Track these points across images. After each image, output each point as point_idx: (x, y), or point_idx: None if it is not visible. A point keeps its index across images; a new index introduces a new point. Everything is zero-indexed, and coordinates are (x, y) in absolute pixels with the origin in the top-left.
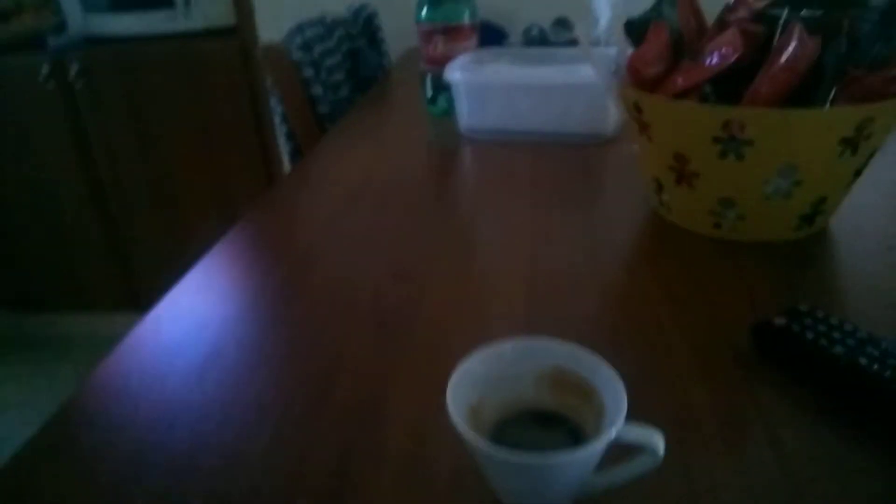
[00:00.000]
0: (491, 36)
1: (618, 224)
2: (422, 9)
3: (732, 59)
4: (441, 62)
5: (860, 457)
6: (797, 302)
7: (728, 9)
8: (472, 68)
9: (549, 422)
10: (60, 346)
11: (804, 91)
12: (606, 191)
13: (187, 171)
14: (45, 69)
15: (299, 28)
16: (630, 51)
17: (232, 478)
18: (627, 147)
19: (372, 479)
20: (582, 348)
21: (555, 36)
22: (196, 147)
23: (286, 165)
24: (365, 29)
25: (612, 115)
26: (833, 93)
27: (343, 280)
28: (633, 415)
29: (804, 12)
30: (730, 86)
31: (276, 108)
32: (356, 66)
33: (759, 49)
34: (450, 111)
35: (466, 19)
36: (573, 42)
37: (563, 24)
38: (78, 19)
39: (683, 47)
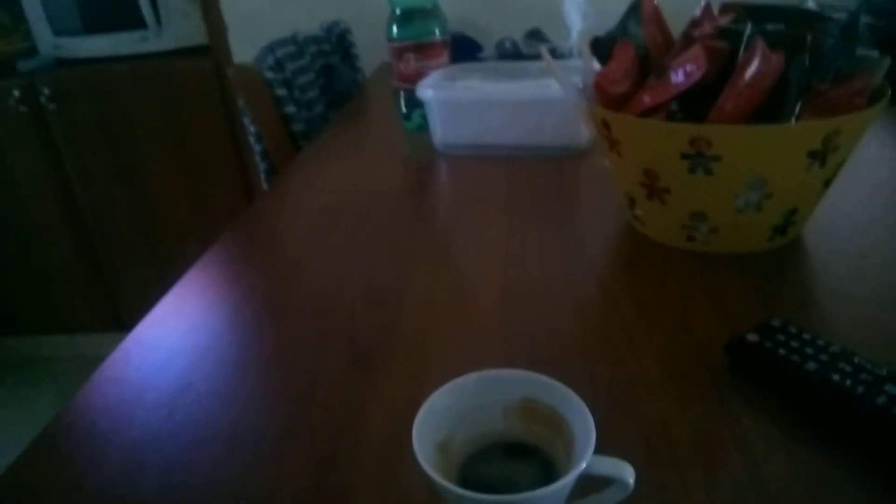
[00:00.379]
0: (465, 48)
1: (593, 238)
2: (392, 27)
3: (697, 77)
4: (414, 79)
5: (835, 473)
6: (772, 314)
7: (694, 23)
8: (445, 85)
9: (520, 453)
10: (44, 367)
11: (770, 106)
12: (581, 204)
13: (165, 190)
14: (15, 93)
15: (270, 48)
16: (597, 68)
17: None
18: (601, 160)
19: None
20: (549, 379)
21: (528, 48)
22: (173, 166)
23: (263, 183)
24: (338, 45)
25: (584, 128)
26: (798, 107)
27: (318, 305)
28: (606, 437)
29: (768, 27)
30: (697, 102)
31: (249, 128)
32: (330, 83)
33: (725, 65)
34: (424, 126)
35: (437, 35)
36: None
37: (536, 35)
38: (48, 42)
39: (650, 63)
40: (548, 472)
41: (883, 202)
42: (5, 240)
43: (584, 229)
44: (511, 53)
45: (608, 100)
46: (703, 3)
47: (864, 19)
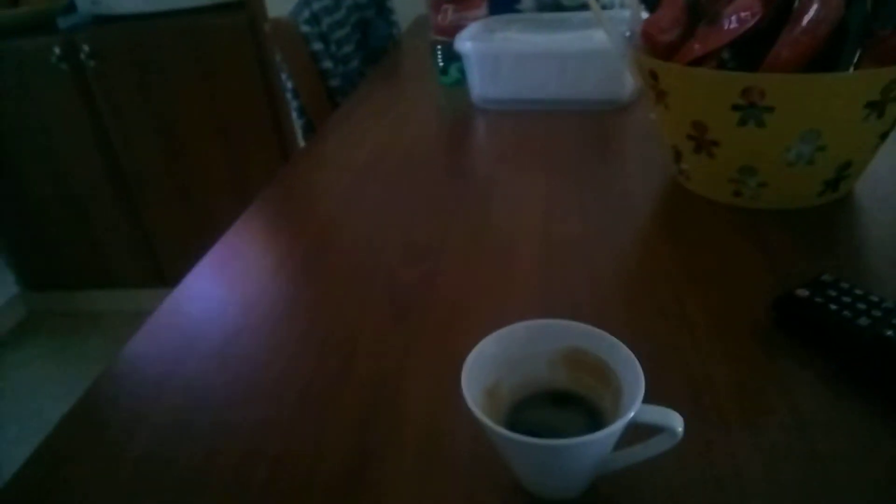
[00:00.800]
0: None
1: (635, 193)
2: None
3: (751, 23)
4: (451, 32)
5: (885, 431)
6: (821, 271)
7: None
8: (483, 37)
9: (565, 402)
10: (90, 322)
11: (827, 54)
12: (624, 159)
13: (202, 147)
14: (56, 50)
15: (306, 1)
16: (645, 16)
17: (252, 463)
18: (645, 113)
19: (391, 461)
20: (597, 329)
21: (567, 0)
22: (210, 124)
23: (300, 140)
24: None
25: (628, 80)
26: (858, 55)
27: (358, 260)
28: (651, 390)
29: None
30: (749, 50)
31: (286, 84)
32: (365, 38)
33: (780, 11)
34: (462, 81)
35: None
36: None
37: None
38: None
39: (700, 11)
40: (594, 421)
41: None
42: (49, 196)
43: (626, 184)
44: (551, 4)
45: (656, 49)
46: None
47: None
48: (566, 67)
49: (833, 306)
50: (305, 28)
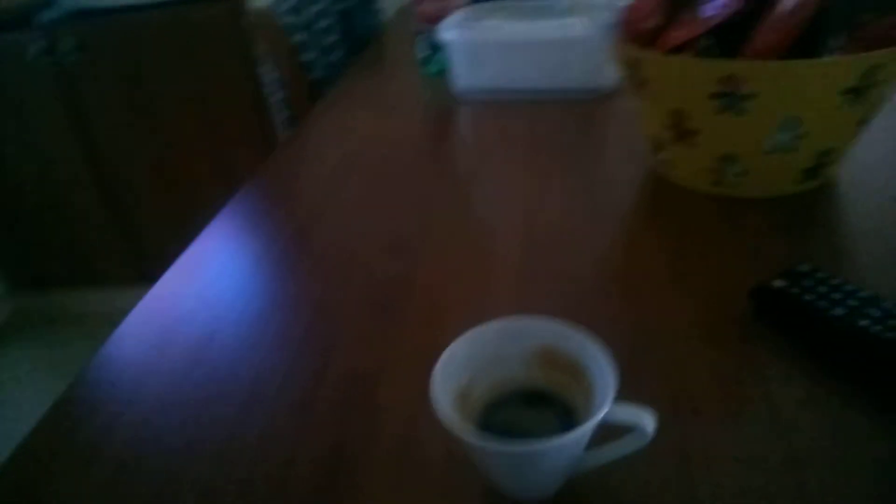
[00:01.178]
0: None
1: (617, 183)
2: None
3: (732, 9)
4: (435, 20)
5: (860, 420)
6: (800, 260)
7: None
8: (466, 26)
9: (539, 401)
10: (77, 322)
11: (808, 40)
12: (605, 148)
13: (187, 141)
14: (37, 45)
15: None
16: (625, 2)
17: (228, 462)
18: (627, 102)
19: (367, 461)
20: (569, 326)
21: None
22: (195, 117)
23: (282, 132)
24: None
25: (611, 69)
26: (840, 41)
27: (338, 255)
28: (627, 384)
29: None
30: (729, 37)
31: (269, 76)
32: (349, 28)
33: None
34: (444, 72)
35: None
36: None
37: None
38: None
39: None
40: (567, 420)
41: None
42: (31, 195)
43: (607, 174)
44: None
45: (636, 36)
46: None
47: None
48: (549, 56)
49: (808, 297)
50: (287, 19)
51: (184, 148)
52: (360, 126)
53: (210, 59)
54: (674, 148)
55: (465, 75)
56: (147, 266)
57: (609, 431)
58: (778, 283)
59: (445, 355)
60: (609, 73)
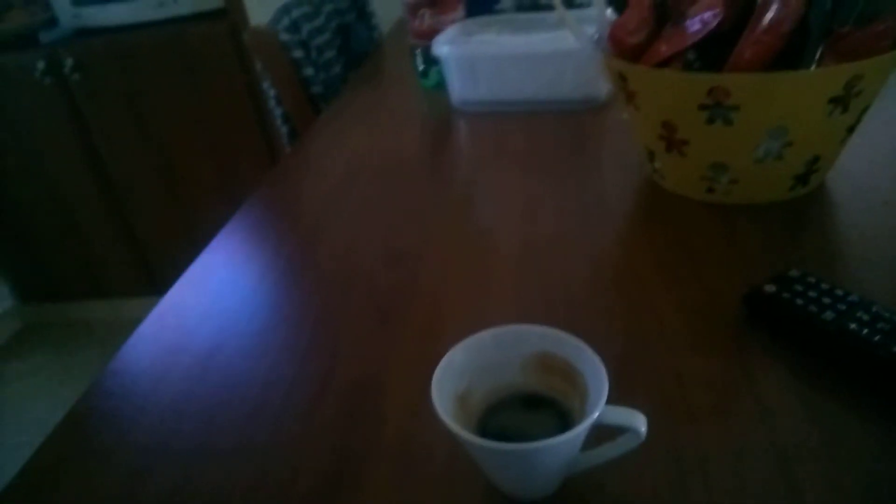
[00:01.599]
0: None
1: (612, 192)
2: None
3: (715, 23)
4: (429, 36)
5: (851, 422)
6: (793, 265)
7: None
8: (461, 41)
9: (536, 405)
10: (85, 332)
11: (790, 52)
12: (601, 158)
13: (189, 155)
14: (40, 65)
15: (285, 8)
16: (612, 17)
17: (238, 466)
18: (620, 113)
19: (370, 465)
20: (562, 332)
21: None
22: (197, 132)
23: (286, 146)
24: (353, 3)
25: (603, 80)
26: (820, 52)
27: (340, 265)
28: (621, 387)
29: None
30: (714, 51)
31: (269, 92)
32: (347, 42)
33: (743, 11)
34: (442, 84)
35: None
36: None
37: None
38: (68, 12)
39: (666, 12)
40: (564, 423)
41: None
42: (39, 210)
43: (603, 184)
44: (528, 4)
45: (624, 50)
46: None
47: None
48: (543, 68)
49: (800, 301)
50: (285, 36)
51: (187, 162)
52: (360, 139)
53: (211, 76)
54: (666, 157)
55: (461, 88)
56: (153, 277)
57: (604, 434)
58: (769, 287)
59: (444, 361)
60: (602, 85)
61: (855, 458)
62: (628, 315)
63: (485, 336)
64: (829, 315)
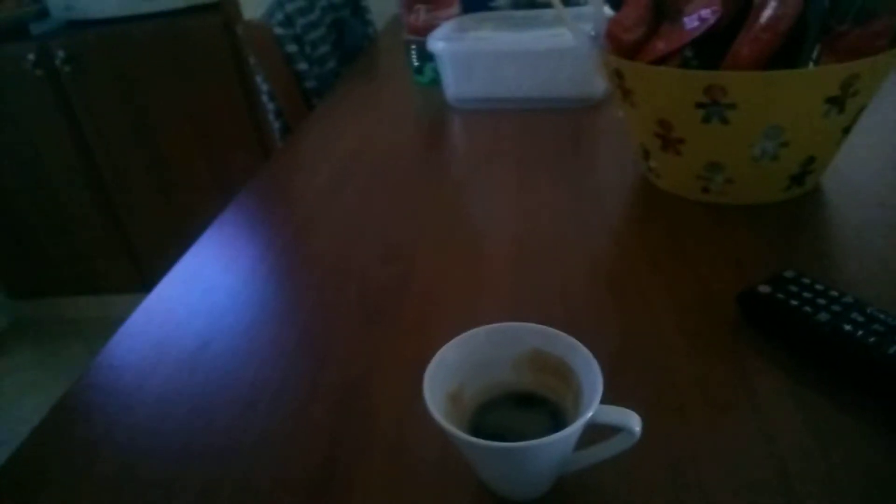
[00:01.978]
0: None
1: (607, 191)
2: None
3: (712, 21)
4: (424, 31)
5: (845, 424)
6: (788, 266)
7: None
8: (456, 37)
9: (529, 403)
10: (73, 328)
11: (787, 50)
12: (595, 157)
13: (181, 150)
14: (31, 57)
15: (280, 3)
16: (609, 14)
17: (223, 468)
18: (615, 111)
19: (360, 465)
20: (556, 330)
21: None
22: (188, 126)
23: (278, 141)
24: None
25: (599, 78)
26: (817, 50)
27: (332, 262)
28: (615, 386)
29: None
30: (711, 48)
31: (262, 86)
32: (341, 38)
33: (740, 9)
34: (437, 80)
35: None
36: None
37: None
38: (59, 4)
39: (664, 10)
40: (557, 422)
41: None
42: (28, 204)
43: (598, 182)
44: (525, 2)
45: (621, 47)
46: None
47: None
48: (538, 66)
49: (794, 302)
50: (279, 30)
51: (179, 157)
52: (353, 135)
53: (204, 70)
54: (661, 156)
55: (455, 85)
56: (144, 273)
57: (596, 434)
58: (763, 288)
59: (437, 358)
60: (598, 83)
61: (850, 458)
62: (622, 314)
63: (478, 333)
64: (823, 316)
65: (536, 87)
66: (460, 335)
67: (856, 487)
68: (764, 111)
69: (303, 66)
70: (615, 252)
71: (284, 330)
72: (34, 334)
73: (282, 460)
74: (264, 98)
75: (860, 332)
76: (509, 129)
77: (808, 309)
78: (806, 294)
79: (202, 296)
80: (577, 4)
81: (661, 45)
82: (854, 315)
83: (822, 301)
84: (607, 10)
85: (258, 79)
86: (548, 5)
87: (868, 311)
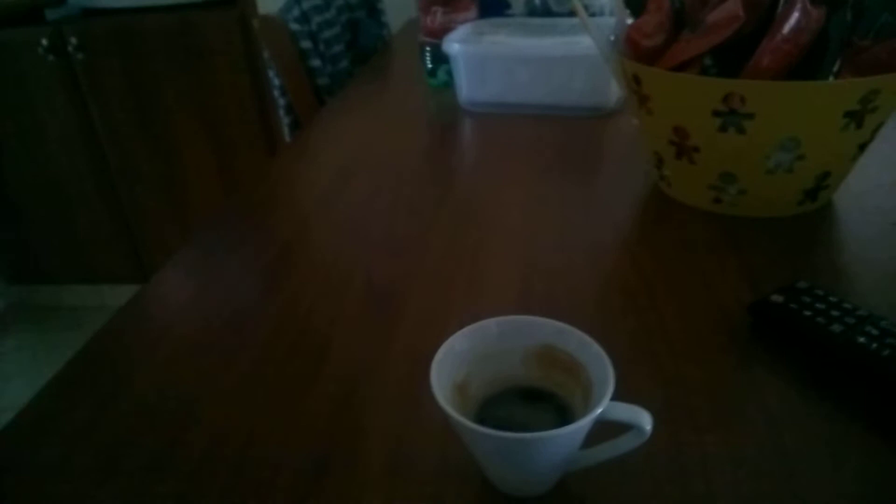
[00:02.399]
0: (492, 5)
1: (618, 199)
2: None
3: (734, 29)
4: (440, 33)
5: (857, 436)
6: (797, 279)
7: None
8: (472, 40)
9: (536, 398)
10: (70, 315)
11: (808, 62)
12: (607, 165)
13: (189, 143)
14: (44, 42)
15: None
16: (629, 21)
17: (211, 468)
18: (629, 120)
19: (359, 461)
20: (568, 326)
21: (557, 6)
22: (197, 119)
23: (287, 138)
24: (364, 0)
25: (613, 87)
26: (838, 64)
27: (334, 261)
28: (624, 392)
29: None
30: (731, 57)
31: (274, 81)
32: (355, 38)
33: (762, 19)
34: (449, 83)
35: None
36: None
37: None
38: None
39: (684, 17)
40: (563, 418)
41: None
42: (31, 188)
43: (609, 190)
44: (540, 10)
45: (640, 53)
46: None
47: None
48: (553, 72)
49: (807, 312)
50: (294, 26)
51: (186, 149)
52: (363, 134)
53: (216, 65)
54: (675, 164)
55: (469, 88)
56: (143, 264)
57: (602, 434)
58: (776, 297)
59: (444, 347)
60: (612, 92)
61: (862, 471)
62: (632, 320)
63: (488, 324)
64: (836, 328)
65: (549, 94)
66: (471, 325)
67: (867, 501)
68: (782, 122)
69: (316, 62)
70: (625, 258)
71: (287, 320)
72: (28, 321)
73: (274, 457)
74: (276, 93)
75: (875, 345)
76: (520, 134)
77: (821, 320)
78: (819, 305)
79: (201, 286)
80: (592, 16)
81: (680, 52)
82: (868, 328)
83: (835, 313)
84: (628, 16)
85: (270, 73)
86: (562, 15)
87: (882, 324)
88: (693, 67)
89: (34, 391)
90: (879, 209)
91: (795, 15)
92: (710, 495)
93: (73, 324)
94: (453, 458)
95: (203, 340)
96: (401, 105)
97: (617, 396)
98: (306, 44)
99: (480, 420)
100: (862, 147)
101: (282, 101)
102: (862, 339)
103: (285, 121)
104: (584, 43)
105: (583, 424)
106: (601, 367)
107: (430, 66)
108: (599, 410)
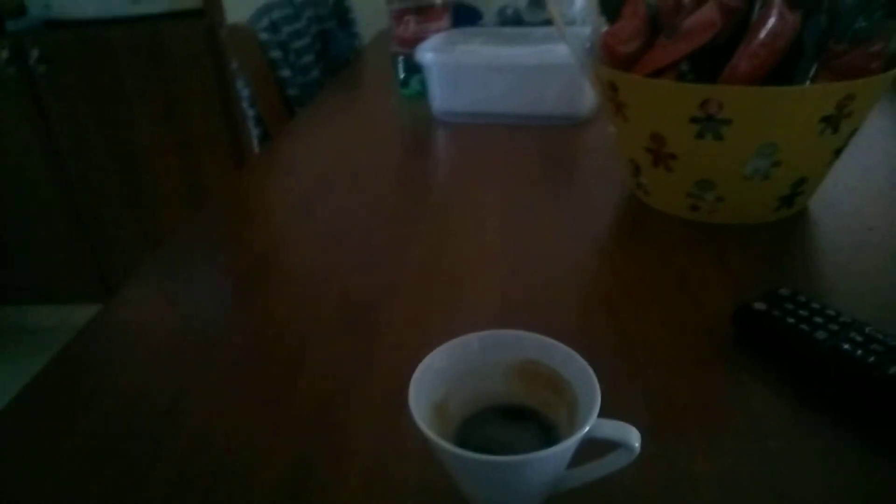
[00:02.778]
0: (464, 16)
1: (594, 208)
2: None
3: (710, 35)
4: (413, 43)
5: (842, 443)
6: (777, 286)
7: None
8: (445, 49)
9: (518, 416)
10: (32, 337)
11: (784, 68)
12: (583, 174)
13: (155, 156)
14: (4, 54)
15: (266, 8)
16: (605, 28)
17: (187, 480)
18: (604, 129)
19: (334, 488)
20: (552, 340)
21: (530, 16)
22: (164, 132)
23: (256, 149)
24: (335, 10)
25: (588, 95)
26: (814, 69)
27: (309, 272)
28: (608, 406)
29: None
30: (708, 63)
31: (242, 92)
32: (326, 48)
33: (739, 25)
34: (423, 93)
35: None
36: (549, 22)
37: (538, 3)
38: (38, 2)
39: (660, 23)
40: (548, 437)
41: (889, 175)
42: None
43: (585, 199)
44: (513, 20)
45: (616, 60)
46: None
47: None
48: (526, 81)
49: (791, 319)
50: (264, 35)
51: (152, 163)
52: (335, 144)
53: (182, 77)
54: (651, 172)
55: (443, 98)
56: (107, 284)
57: (590, 453)
58: (759, 305)
59: (422, 366)
60: (586, 101)
61: (850, 478)
62: (613, 331)
63: (468, 340)
64: (821, 334)
65: (524, 103)
66: (449, 342)
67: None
68: (759, 128)
69: (286, 72)
70: (603, 268)
71: (256, 339)
72: None
73: (248, 474)
74: (244, 104)
75: (860, 352)
76: (495, 144)
77: (805, 327)
78: (802, 312)
79: (165, 305)
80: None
81: (656, 58)
82: (853, 334)
83: (819, 319)
84: (603, 23)
85: (239, 84)
86: (535, 24)
87: (867, 330)
88: (670, 73)
89: None
90: (854, 214)
91: (771, 20)
92: None
93: (37, 345)
94: (432, 477)
95: (170, 361)
96: (374, 116)
97: (602, 413)
98: (276, 53)
99: (461, 441)
100: (837, 152)
101: (251, 112)
102: (847, 346)
103: (255, 132)
104: (558, 52)
105: (569, 445)
106: (586, 382)
107: (402, 75)
108: (586, 429)
